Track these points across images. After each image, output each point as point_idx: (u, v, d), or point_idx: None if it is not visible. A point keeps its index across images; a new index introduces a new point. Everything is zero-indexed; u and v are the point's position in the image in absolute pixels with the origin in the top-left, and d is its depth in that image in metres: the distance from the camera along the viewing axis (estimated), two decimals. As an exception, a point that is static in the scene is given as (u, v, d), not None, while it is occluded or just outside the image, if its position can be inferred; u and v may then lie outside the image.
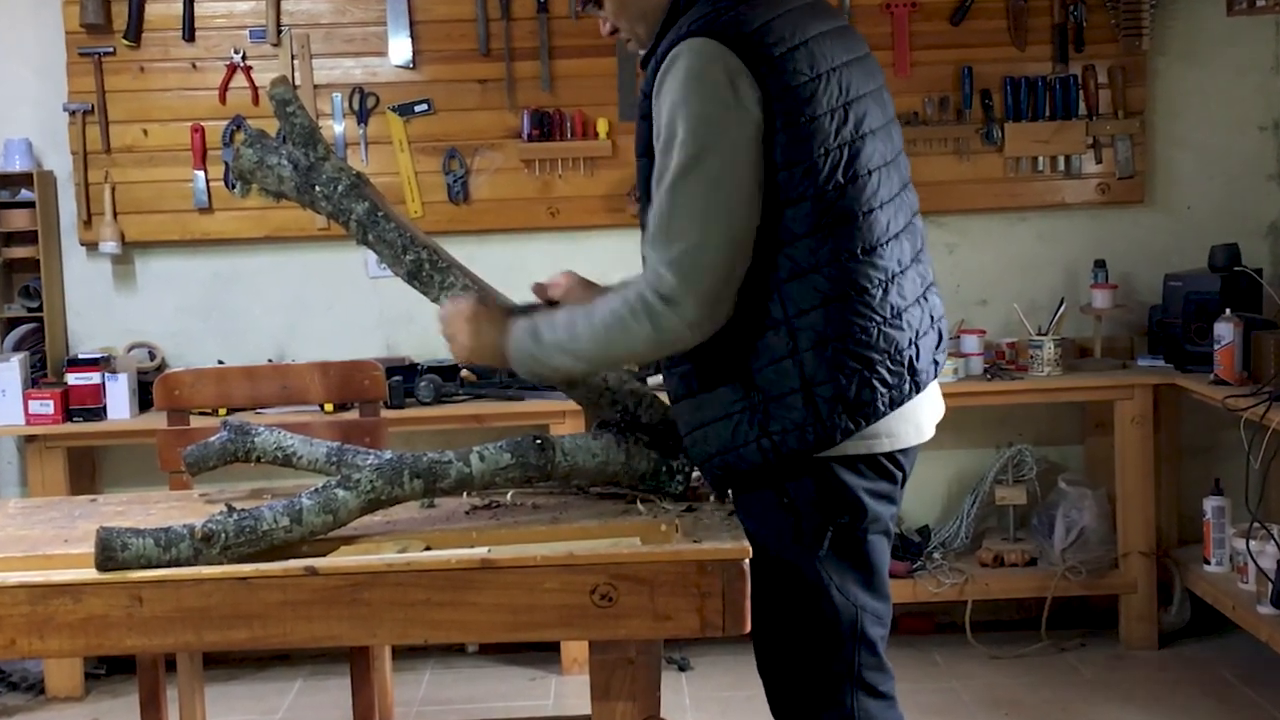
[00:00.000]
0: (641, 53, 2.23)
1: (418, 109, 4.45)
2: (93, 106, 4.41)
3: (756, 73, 2.01)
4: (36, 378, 4.31)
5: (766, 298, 2.05)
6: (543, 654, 4.34)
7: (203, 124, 4.43)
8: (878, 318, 2.05)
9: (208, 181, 4.43)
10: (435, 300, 2.32)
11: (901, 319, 2.08)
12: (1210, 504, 4.13)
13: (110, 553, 2.00)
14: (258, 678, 4.36)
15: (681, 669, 4.24)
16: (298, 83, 4.40)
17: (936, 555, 4.36)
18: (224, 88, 4.43)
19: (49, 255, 4.42)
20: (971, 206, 4.49)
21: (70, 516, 2.48)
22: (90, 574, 2.00)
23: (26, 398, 4.18)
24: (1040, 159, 4.48)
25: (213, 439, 2.47)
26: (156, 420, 3.61)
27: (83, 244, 4.48)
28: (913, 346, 2.09)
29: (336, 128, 4.45)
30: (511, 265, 4.06)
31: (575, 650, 4.18)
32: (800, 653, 2.15)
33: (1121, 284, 4.42)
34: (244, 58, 4.42)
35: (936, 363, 2.17)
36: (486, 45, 4.44)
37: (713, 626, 1.96)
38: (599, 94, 4.44)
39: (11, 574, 2.03)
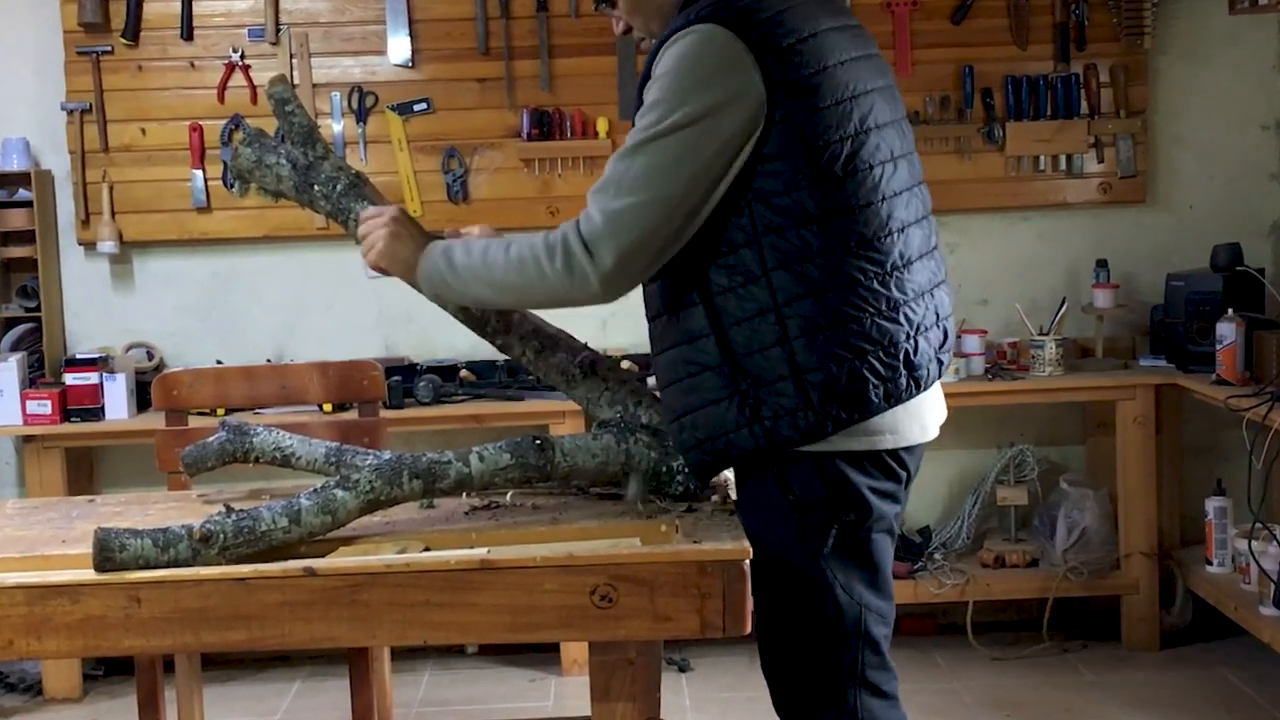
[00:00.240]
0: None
1: (417, 108, 4.44)
2: (91, 106, 4.40)
3: (763, 62, 2.00)
4: (34, 378, 4.30)
5: (755, 284, 2.04)
6: (542, 655, 4.33)
7: (201, 123, 4.43)
8: (871, 309, 2.04)
9: (206, 181, 4.42)
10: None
11: (899, 312, 2.06)
12: (1212, 504, 4.12)
13: (108, 553, 1.99)
14: (256, 679, 4.35)
15: (681, 670, 4.23)
16: (296, 82, 4.39)
17: (938, 556, 4.35)
18: (222, 87, 4.42)
19: (47, 255, 4.41)
20: (973, 206, 4.48)
21: (68, 517, 2.47)
22: (88, 575, 1.99)
23: (24, 398, 4.17)
24: (1042, 158, 4.47)
25: (211, 439, 2.46)
26: (155, 420, 3.60)
27: (81, 243, 4.47)
28: (910, 341, 2.07)
29: (335, 127, 4.44)
30: (511, 265, 4.05)
31: (575, 651, 4.17)
32: (804, 651, 2.14)
33: (1123, 284, 4.41)
34: (242, 56, 4.41)
35: (940, 361, 2.14)
36: (486, 44, 4.43)
37: (713, 627, 1.95)
38: (599, 93, 4.43)
39: (9, 575, 2.03)
